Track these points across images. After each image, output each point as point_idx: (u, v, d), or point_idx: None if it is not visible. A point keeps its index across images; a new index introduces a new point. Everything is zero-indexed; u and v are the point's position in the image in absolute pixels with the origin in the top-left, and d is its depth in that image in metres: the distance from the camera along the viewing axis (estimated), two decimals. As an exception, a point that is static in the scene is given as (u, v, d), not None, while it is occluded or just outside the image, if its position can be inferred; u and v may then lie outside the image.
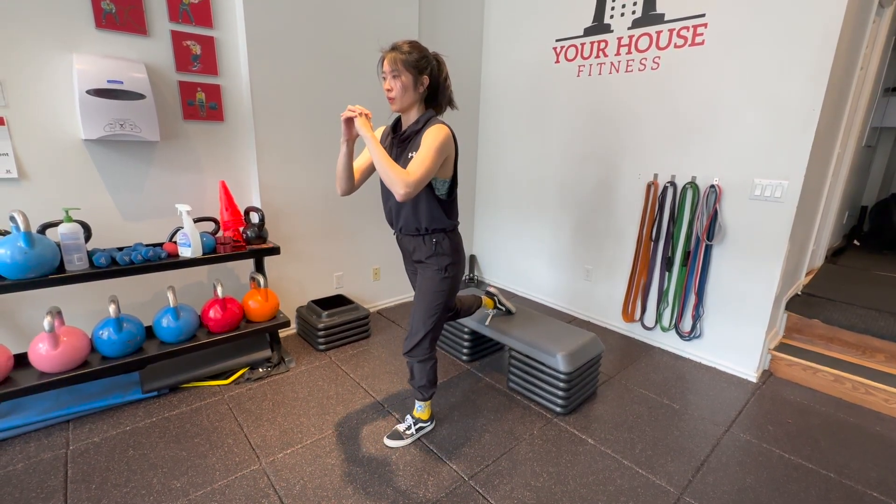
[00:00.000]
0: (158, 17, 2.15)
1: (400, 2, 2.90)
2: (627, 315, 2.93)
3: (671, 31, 2.51)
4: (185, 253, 2.09)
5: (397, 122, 1.70)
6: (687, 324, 2.69)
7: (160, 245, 2.14)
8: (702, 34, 2.40)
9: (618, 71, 2.79)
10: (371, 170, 1.75)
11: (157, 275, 2.29)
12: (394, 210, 1.72)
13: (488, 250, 3.96)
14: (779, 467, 1.82)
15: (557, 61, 3.11)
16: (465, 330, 2.54)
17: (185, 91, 2.28)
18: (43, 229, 1.84)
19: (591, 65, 2.92)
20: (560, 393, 2.08)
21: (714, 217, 2.44)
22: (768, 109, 2.23)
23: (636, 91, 2.72)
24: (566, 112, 3.12)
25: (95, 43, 2.01)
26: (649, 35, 2.60)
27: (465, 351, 2.58)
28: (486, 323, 2.37)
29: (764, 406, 2.25)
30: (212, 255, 2.16)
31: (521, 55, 3.35)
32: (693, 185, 2.51)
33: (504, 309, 2.44)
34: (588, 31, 2.90)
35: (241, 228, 2.35)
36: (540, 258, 3.51)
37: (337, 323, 2.67)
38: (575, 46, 2.99)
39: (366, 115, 1.53)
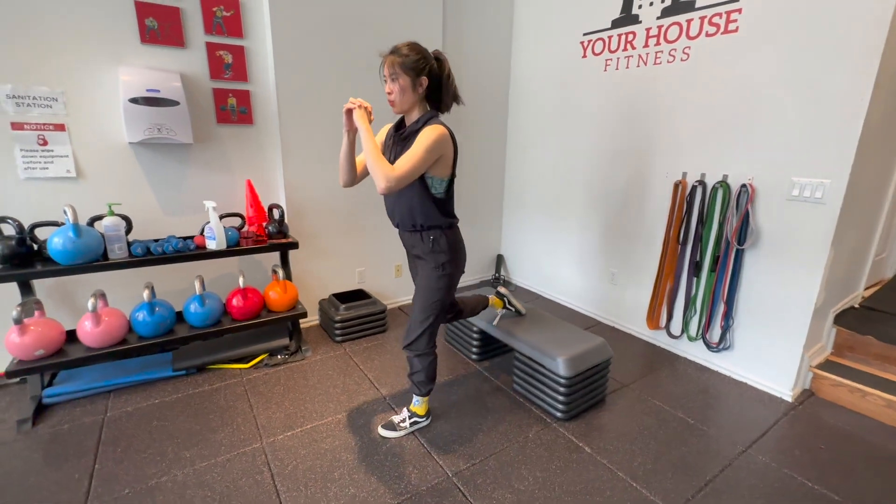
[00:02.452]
0: (195, 30, 2.36)
1: (423, 4, 2.95)
2: (652, 322, 2.77)
3: (702, 18, 2.34)
4: (211, 245, 2.28)
5: (401, 120, 1.75)
6: (715, 334, 2.49)
7: (191, 238, 2.35)
8: (735, 20, 2.21)
9: (646, 63, 2.64)
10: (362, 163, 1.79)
11: (190, 264, 2.52)
12: (391, 205, 1.77)
13: (516, 250, 3.91)
14: (797, 496, 1.65)
15: (585, 56, 3.01)
16: (475, 329, 2.54)
17: (218, 97, 2.48)
18: (91, 222, 2.10)
19: (618, 58, 2.79)
20: (560, 398, 2.03)
21: (745, 219, 2.24)
22: (808, 100, 2.02)
23: (664, 84, 2.56)
24: (593, 108, 3.01)
25: (141, 56, 2.25)
26: (679, 24, 2.44)
27: (474, 350, 2.58)
28: (495, 323, 2.36)
29: (796, 428, 2.04)
30: (235, 247, 2.34)
31: (549, 51, 3.27)
32: (724, 184, 2.33)
33: (514, 310, 2.41)
34: (616, 23, 2.78)
35: (264, 224, 2.52)
36: (566, 260, 3.41)
37: (354, 316, 2.77)
38: (602, 40, 2.87)
39: (365, 107, 1.59)
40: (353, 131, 1.64)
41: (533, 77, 3.45)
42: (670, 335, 2.71)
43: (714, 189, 2.38)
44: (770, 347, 2.29)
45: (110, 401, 2.12)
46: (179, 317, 2.36)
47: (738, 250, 2.31)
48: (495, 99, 3.63)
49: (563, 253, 3.43)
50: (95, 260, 2.03)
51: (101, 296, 2.15)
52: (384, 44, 2.80)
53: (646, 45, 2.63)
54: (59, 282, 2.27)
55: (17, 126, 2.06)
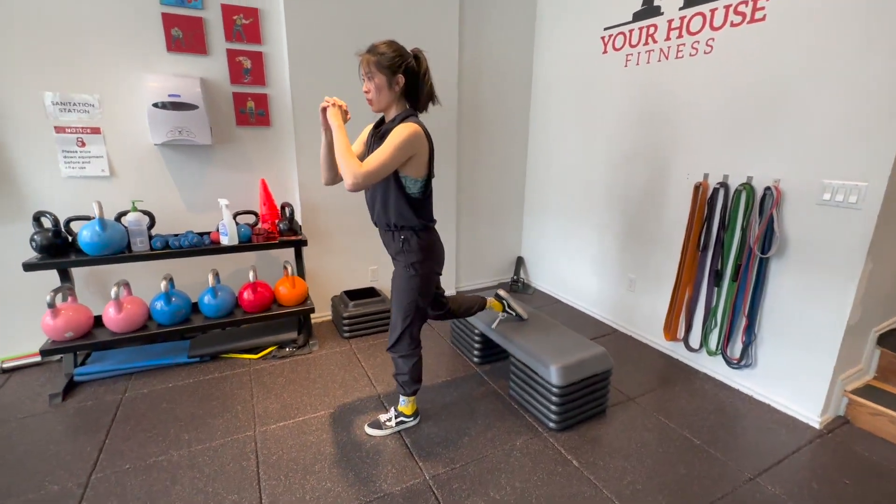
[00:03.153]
0: (216, 38, 2.50)
1: (439, 5, 2.94)
2: (669, 332, 2.60)
3: (727, 7, 2.16)
4: (224, 241, 2.41)
5: (382, 118, 1.75)
6: (736, 349, 2.30)
7: (208, 233, 2.50)
8: (763, 8, 2.03)
9: (667, 57, 2.48)
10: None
11: (209, 258, 2.68)
12: (370, 203, 1.77)
13: (536, 253, 3.82)
14: (805, 534, 1.49)
15: (605, 51, 2.88)
16: (476, 332, 2.51)
17: (237, 101, 2.62)
18: (118, 217, 2.29)
19: (639, 53, 2.65)
20: (553, 407, 1.95)
21: (770, 225, 2.05)
22: (842, 94, 1.81)
23: (686, 79, 2.39)
24: (612, 107, 2.87)
25: (167, 64, 2.42)
26: (702, 14, 2.27)
27: (475, 353, 2.55)
28: (493, 326, 2.32)
29: (819, 459, 1.84)
30: (246, 243, 2.46)
31: (570, 48, 3.16)
32: (748, 186, 2.14)
33: (514, 314, 2.35)
34: (637, 16, 2.63)
35: (276, 221, 2.63)
36: (584, 264, 3.28)
37: (361, 313, 2.83)
38: (623, 34, 2.73)
39: (339, 106, 1.61)
40: (330, 129, 1.65)
41: (554, 75, 3.35)
42: (688, 348, 2.53)
43: (737, 192, 2.19)
44: (797, 367, 2.07)
45: (131, 382, 2.30)
46: (196, 307, 2.51)
47: (761, 259, 2.12)
48: (517, 99, 3.56)
49: (581, 257, 3.30)
50: (119, 252, 2.21)
51: (126, 285, 2.34)
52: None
53: (667, 38, 2.47)
54: (93, 271, 2.49)
55: (59, 129, 2.29)
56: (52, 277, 2.32)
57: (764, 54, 2.05)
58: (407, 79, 1.59)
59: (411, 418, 1.99)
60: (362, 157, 1.74)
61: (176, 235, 2.40)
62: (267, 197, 2.65)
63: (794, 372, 2.09)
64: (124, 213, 2.28)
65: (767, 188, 2.06)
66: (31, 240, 2.09)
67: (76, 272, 2.42)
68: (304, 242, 2.62)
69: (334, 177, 1.76)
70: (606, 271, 3.09)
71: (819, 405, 2.01)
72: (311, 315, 3.06)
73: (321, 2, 2.61)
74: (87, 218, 2.22)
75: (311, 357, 2.59)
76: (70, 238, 2.21)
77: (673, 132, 2.50)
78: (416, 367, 1.86)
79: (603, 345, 2.68)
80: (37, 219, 2.13)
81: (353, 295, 2.96)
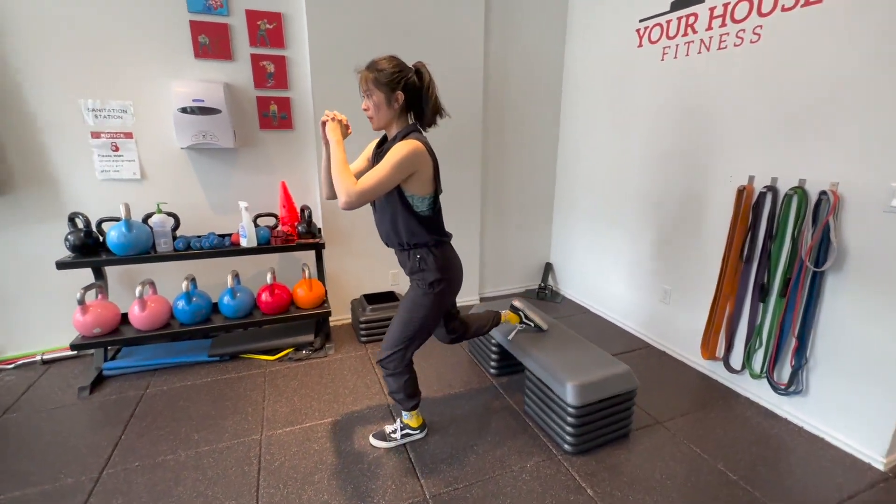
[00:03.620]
0: (241, 43, 2.55)
1: (463, 4, 2.86)
2: (707, 350, 2.37)
3: (778, -10, 1.93)
4: (243, 243, 2.44)
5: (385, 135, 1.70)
6: (784, 373, 2.04)
7: (229, 235, 2.54)
8: (820, -11, 1.79)
9: (708, 49, 2.27)
10: (357, 176, 1.72)
11: (232, 259, 2.72)
12: (377, 223, 1.71)
13: (565, 259, 3.64)
14: None
15: (640, 45, 2.68)
16: (493, 342, 2.39)
17: (261, 104, 2.66)
18: (145, 218, 2.37)
19: (677, 45, 2.44)
20: (568, 428, 1.81)
21: (825, 234, 1.80)
22: (918, 83, 1.55)
23: (729, 71, 2.17)
24: (647, 103, 2.67)
25: (194, 70, 2.49)
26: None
27: (492, 364, 2.43)
28: (510, 338, 2.20)
29: (882, 507, 1.58)
30: (264, 245, 2.48)
31: (604, 43, 2.98)
32: (800, 190, 1.90)
33: (532, 325, 2.22)
34: (675, 5, 2.43)
35: (296, 224, 2.64)
36: (615, 272, 3.08)
37: (379, 318, 2.78)
38: (660, 25, 2.53)
39: (339, 120, 1.57)
40: (341, 143, 1.58)
41: (586, 72, 3.17)
42: (729, 368, 2.29)
43: (787, 196, 1.95)
44: (858, 397, 1.81)
45: (154, 378, 2.37)
46: (216, 308, 2.56)
47: (814, 273, 1.87)
48: (547, 95, 3.41)
49: (613, 264, 3.10)
50: (145, 252, 2.29)
51: (151, 284, 2.42)
52: (421, 46, 2.82)
53: (709, 28, 2.25)
54: (125, 269, 2.60)
55: (95, 135, 2.41)
56: (88, 274, 2.43)
57: (821, 41, 1.81)
58: (408, 95, 1.53)
59: (417, 431, 1.91)
60: (358, 172, 1.69)
61: (199, 237, 2.46)
62: (287, 199, 2.67)
63: (854, 403, 1.82)
64: (151, 215, 2.36)
65: (823, 192, 1.81)
66: (66, 239, 2.20)
67: (109, 271, 2.54)
68: (322, 245, 2.61)
69: (334, 192, 1.70)
70: (639, 281, 2.88)
71: (885, 443, 1.74)
72: (331, 318, 3.06)
73: (342, 5, 2.60)
74: (117, 219, 2.31)
75: (325, 361, 2.58)
76: (101, 238, 2.31)
77: (714, 130, 2.28)
78: (407, 383, 1.78)
79: (633, 361, 2.52)
80: (71, 219, 2.24)
81: (372, 299, 2.93)
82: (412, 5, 2.75)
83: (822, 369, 1.92)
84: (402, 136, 1.54)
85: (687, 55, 2.39)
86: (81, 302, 2.19)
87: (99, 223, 2.31)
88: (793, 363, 1.98)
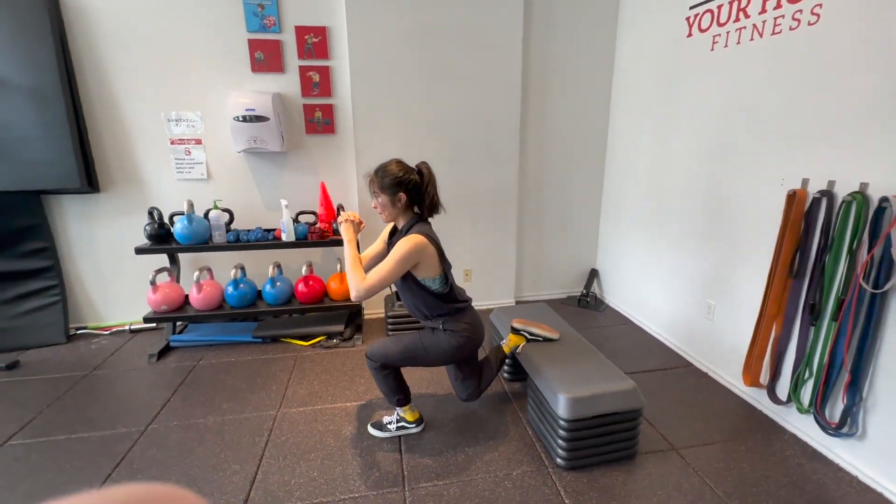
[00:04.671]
0: (291, 56, 2.81)
1: (502, 5, 2.84)
2: (749, 375, 2.09)
3: (841, -39, 1.65)
4: (284, 237, 2.70)
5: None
6: (836, 410, 1.74)
7: (274, 230, 2.82)
8: (890, -44, 1.50)
9: (761, 35, 2.01)
10: (377, 259, 1.85)
11: (278, 251, 3.01)
12: (402, 299, 1.87)
13: (611, 267, 3.43)
14: None
15: (690, 34, 2.45)
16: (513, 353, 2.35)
17: (307, 111, 2.91)
18: (206, 213, 2.73)
19: (727, 32, 2.19)
20: (560, 441, 1.74)
21: (885, 250, 1.51)
22: None
23: (784, 59, 1.90)
24: (695, 98, 2.43)
25: (250, 82, 2.81)
26: (807, -25, 1.78)
27: (506, 369, 2.40)
28: (518, 351, 2.14)
29: (939, 586, 1.29)
30: (302, 240, 2.72)
31: (653, 34, 2.77)
32: (859, 196, 1.61)
33: (541, 339, 2.14)
34: (727, -12, 2.18)
35: (332, 221, 2.85)
36: (658, 282, 2.84)
37: (405, 314, 2.89)
38: (711, 11, 2.29)
39: (352, 221, 1.78)
40: (353, 241, 1.76)
41: (635, 69, 2.97)
42: (773, 398, 2.00)
43: (845, 203, 1.66)
44: (926, 450, 1.49)
45: (207, 352, 2.73)
46: (261, 294, 2.86)
47: (873, 295, 1.57)
48: (595, 90, 3.25)
49: (656, 274, 2.87)
50: (203, 242, 2.64)
51: (209, 270, 2.78)
52: (455, 50, 2.86)
53: (762, 11, 1.99)
54: (194, 257, 3.02)
55: (173, 141, 2.83)
56: (166, 259, 2.87)
57: (890, 20, 1.51)
58: (410, 194, 1.70)
59: (413, 425, 1.97)
60: (384, 255, 1.82)
61: (248, 231, 2.77)
62: (325, 198, 2.88)
63: (920, 455, 1.50)
64: (210, 211, 2.71)
65: (884, 199, 1.52)
66: (144, 229, 2.63)
67: (182, 257, 2.96)
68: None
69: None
70: (682, 293, 2.63)
71: (957, 510, 1.41)
72: (366, 311, 3.25)
73: (380, 15, 2.74)
74: (183, 213, 2.69)
75: (352, 350, 2.74)
76: (173, 230, 2.71)
77: (765, 127, 2.01)
78: (388, 378, 1.87)
79: (666, 379, 2.34)
80: (150, 213, 2.66)
81: (403, 295, 3.04)
82: (447, 11, 2.80)
83: (884, 411, 1.61)
84: (407, 229, 1.72)
85: (738, 43, 2.13)
86: (153, 283, 2.60)
87: (171, 217, 2.72)
88: (845, 400, 1.68)
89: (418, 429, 1.98)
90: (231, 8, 2.68)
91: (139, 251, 2.58)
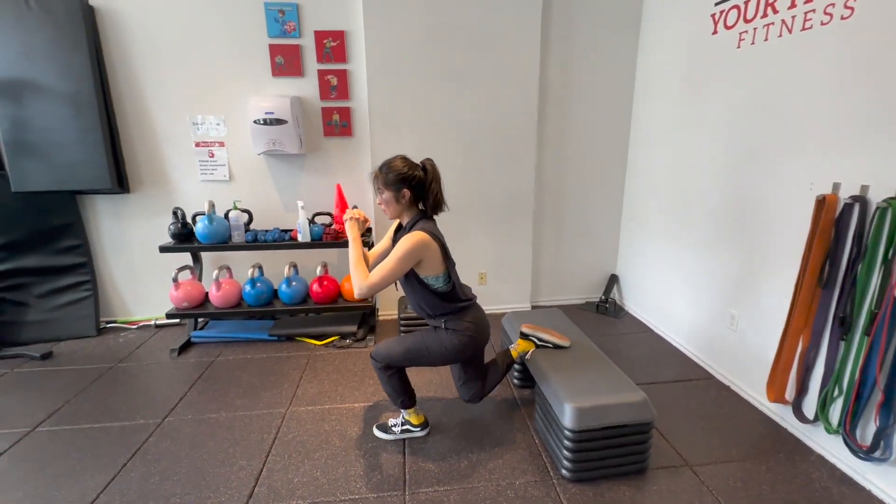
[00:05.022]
0: (310, 60, 2.87)
1: (520, 6, 2.81)
2: (774, 391, 1.97)
3: (877, -50, 1.54)
4: (300, 238, 2.75)
5: None
6: (868, 432, 1.62)
7: (291, 230, 2.88)
8: (932, -58, 1.39)
9: (790, 31, 1.90)
10: (383, 257, 1.84)
11: (296, 251, 3.05)
12: (406, 298, 1.88)
13: (632, 272, 3.33)
14: None
15: (715, 31, 2.35)
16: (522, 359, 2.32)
17: (325, 114, 2.96)
18: (226, 214, 2.81)
19: (754, 29, 2.08)
20: (565, 452, 1.69)
21: (923, 260, 1.39)
22: None
23: (814, 56, 1.79)
24: (719, 98, 2.33)
25: (271, 86, 2.88)
26: (840, -34, 1.67)
27: (516, 375, 2.36)
28: (527, 357, 2.10)
29: None
30: (317, 241, 2.76)
31: (676, 33, 2.67)
32: (895, 202, 1.49)
33: (550, 345, 2.09)
34: (755, -17, 2.08)
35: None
36: (680, 289, 2.73)
37: (416, 316, 2.88)
38: (737, 7, 2.19)
39: (356, 218, 1.80)
40: (357, 240, 1.78)
41: (657, 70, 2.87)
42: (800, 416, 1.88)
43: (880, 210, 1.54)
44: (969, 480, 1.36)
45: (224, 349, 2.81)
46: (277, 293, 2.92)
47: (909, 308, 1.45)
48: (617, 91, 3.17)
49: (677, 281, 2.76)
50: (222, 241, 2.72)
51: (228, 269, 2.86)
52: (471, 52, 2.84)
53: (792, 6, 1.88)
54: (217, 256, 3.11)
55: (198, 144, 2.93)
56: (189, 258, 2.98)
57: (931, 9, 1.40)
58: (414, 190, 1.69)
59: (418, 428, 1.96)
60: (381, 253, 1.87)
61: (266, 231, 2.83)
62: (340, 200, 2.92)
63: (962, 486, 1.37)
64: (229, 211, 2.79)
65: (922, 205, 1.40)
66: (168, 228, 2.73)
67: (204, 256, 3.06)
68: (370, 244, 2.80)
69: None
70: (704, 302, 2.51)
71: None
72: (381, 313, 3.27)
73: (397, 19, 2.75)
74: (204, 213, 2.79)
75: (364, 351, 2.76)
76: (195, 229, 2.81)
77: (794, 127, 1.90)
78: (392, 379, 1.86)
79: (685, 392, 2.27)
80: (174, 213, 2.76)
81: (417, 297, 3.04)
82: (463, 12, 2.79)
83: (921, 435, 1.48)
84: (411, 226, 1.71)
85: (766, 40, 2.03)
86: (175, 280, 2.70)
87: (193, 216, 2.81)
88: (878, 421, 1.56)
89: (423, 432, 1.97)
90: (253, 15, 2.75)
91: (163, 249, 2.68)
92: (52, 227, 2.85)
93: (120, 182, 2.85)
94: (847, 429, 1.66)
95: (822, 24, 1.75)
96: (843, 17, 1.68)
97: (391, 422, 1.99)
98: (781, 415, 2.01)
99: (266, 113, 2.72)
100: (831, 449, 1.78)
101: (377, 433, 1.97)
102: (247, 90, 2.86)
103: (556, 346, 2.08)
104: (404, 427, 1.95)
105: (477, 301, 1.90)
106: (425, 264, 1.67)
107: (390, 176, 1.67)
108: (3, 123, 2.61)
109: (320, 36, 2.82)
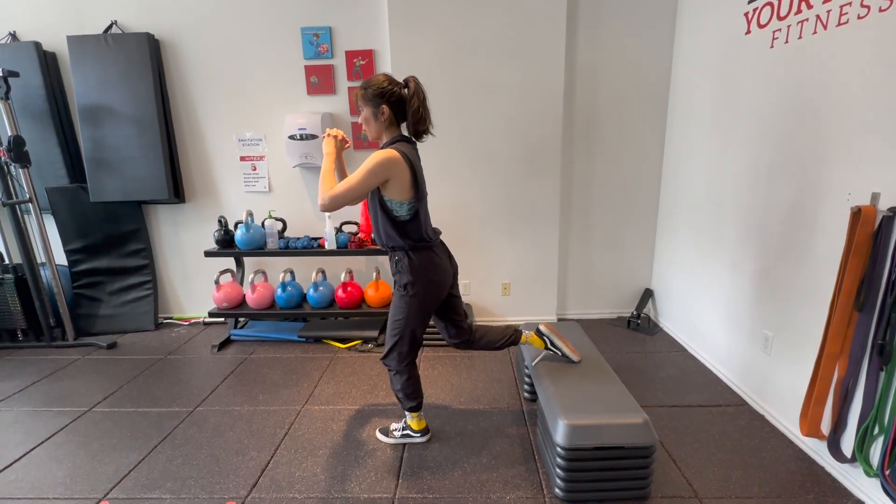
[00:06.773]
0: (341, 79, 3.05)
1: (543, 17, 2.80)
2: (807, 424, 1.77)
3: (917, -66, 1.38)
4: (327, 245, 2.91)
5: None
6: (911, 478, 1.41)
7: (320, 238, 3.05)
8: (977, -79, 1.22)
9: (825, 27, 1.73)
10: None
11: (325, 258, 3.23)
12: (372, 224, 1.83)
13: (667, 287, 3.14)
14: None
15: (748, 31, 2.19)
16: (526, 364, 2.28)
17: (355, 129, 3.12)
18: (262, 222, 3.04)
19: (788, 26, 1.93)
20: (558, 470, 1.64)
21: (969, 282, 1.20)
22: None
23: (851, 53, 1.63)
24: (752, 103, 2.17)
25: (306, 105, 3.09)
26: (877, -46, 1.51)
27: (526, 388, 2.32)
28: (533, 363, 2.08)
29: None
30: (342, 248, 2.91)
31: (709, 35, 2.53)
32: (939, 215, 1.31)
33: (560, 353, 2.04)
34: (789, -23, 1.92)
35: (371, 231, 3.00)
36: (712, 308, 2.54)
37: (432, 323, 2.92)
38: (771, 4, 2.04)
39: (334, 136, 1.78)
40: (331, 155, 1.76)
41: (691, 73, 2.72)
42: (835, 454, 1.68)
43: (922, 223, 1.36)
44: None
45: (258, 347, 3.02)
46: (305, 298, 3.10)
47: (954, 337, 1.26)
48: (651, 98, 3.04)
49: (710, 298, 2.57)
50: (258, 248, 2.95)
51: (263, 273, 3.09)
52: (495, 63, 2.88)
53: (826, 0, 1.72)
54: (259, 261, 3.37)
55: (242, 159, 3.21)
56: (232, 262, 3.25)
57: (977, -4, 1.23)
58: (394, 108, 1.63)
59: (419, 434, 1.99)
60: None
61: (297, 238, 3.03)
62: (365, 210, 3.05)
63: None
64: (265, 220, 3.02)
65: (967, 219, 1.22)
66: (213, 235, 3.01)
67: (246, 261, 3.33)
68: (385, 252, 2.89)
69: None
70: (737, 321, 2.32)
71: None
72: (404, 319, 3.34)
73: (422, 36, 2.85)
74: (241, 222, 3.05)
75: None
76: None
77: (829, 133, 1.73)
78: (407, 383, 1.86)
79: (712, 418, 2.14)
80: (219, 221, 3.04)
81: (438, 306, 3.08)
82: (487, 26, 2.83)
83: (975, 486, 1.27)
84: (386, 146, 1.65)
85: (800, 38, 1.86)
86: (217, 282, 2.96)
87: (235, 225, 3.08)
88: (921, 466, 1.36)
89: (423, 438, 2.00)
90: (291, 39, 2.99)
91: (207, 254, 2.96)
92: (121, 232, 3.25)
93: (177, 193, 3.19)
94: (885, 471, 1.45)
95: (860, 17, 1.59)
96: (881, 10, 1.51)
97: (393, 426, 2.04)
98: (818, 451, 1.80)
99: (299, 129, 2.93)
100: (872, 494, 1.57)
101: (379, 436, 2.03)
102: (285, 109, 3.10)
103: (565, 357, 2.02)
104: (405, 432, 1.99)
105: (440, 240, 1.81)
106: (392, 186, 1.58)
107: (369, 91, 1.60)
108: (86, 143, 3.03)
109: (351, 55, 3.00)
